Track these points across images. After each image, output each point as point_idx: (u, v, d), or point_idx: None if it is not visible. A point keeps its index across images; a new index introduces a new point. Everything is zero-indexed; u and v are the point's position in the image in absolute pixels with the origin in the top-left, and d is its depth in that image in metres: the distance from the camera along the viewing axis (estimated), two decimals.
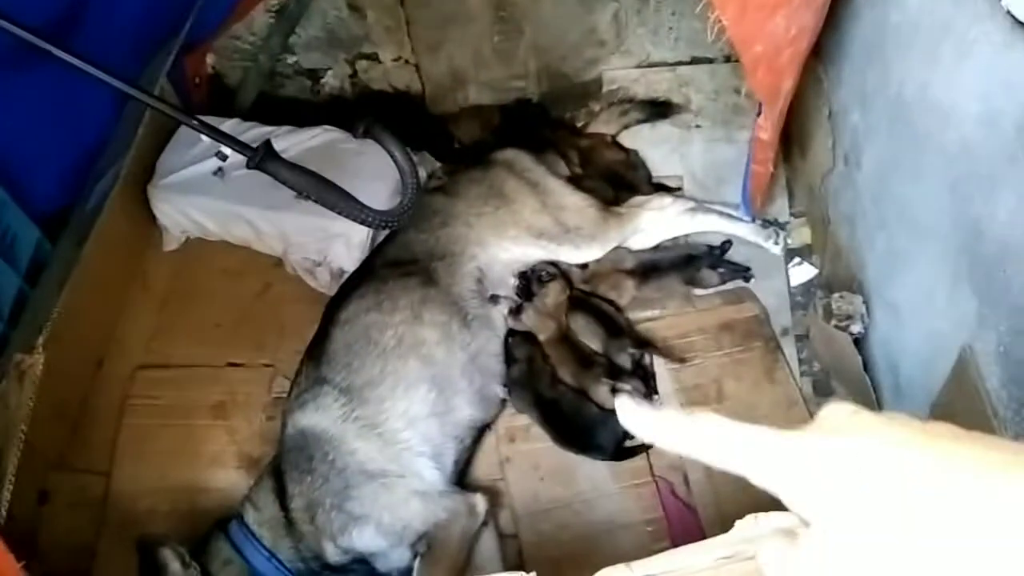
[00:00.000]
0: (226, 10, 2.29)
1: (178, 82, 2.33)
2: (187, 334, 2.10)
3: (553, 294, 1.97)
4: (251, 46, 2.43)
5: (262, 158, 1.27)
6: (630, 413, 0.53)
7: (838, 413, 0.46)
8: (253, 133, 2.23)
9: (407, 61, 2.44)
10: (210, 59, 2.48)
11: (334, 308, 1.89)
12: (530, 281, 1.99)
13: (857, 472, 0.42)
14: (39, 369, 1.46)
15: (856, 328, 1.71)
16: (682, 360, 1.94)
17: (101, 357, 2.05)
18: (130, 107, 2.11)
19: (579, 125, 2.41)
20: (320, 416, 1.72)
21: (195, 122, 1.27)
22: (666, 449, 0.52)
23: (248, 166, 1.30)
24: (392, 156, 1.29)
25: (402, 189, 1.42)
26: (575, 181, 2.13)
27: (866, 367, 1.75)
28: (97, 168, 2.07)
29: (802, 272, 2.06)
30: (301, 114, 2.41)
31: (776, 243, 2.09)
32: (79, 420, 1.95)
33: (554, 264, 2.04)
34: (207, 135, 1.31)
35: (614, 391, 1.83)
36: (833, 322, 1.77)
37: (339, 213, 1.41)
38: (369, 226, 1.53)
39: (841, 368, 1.87)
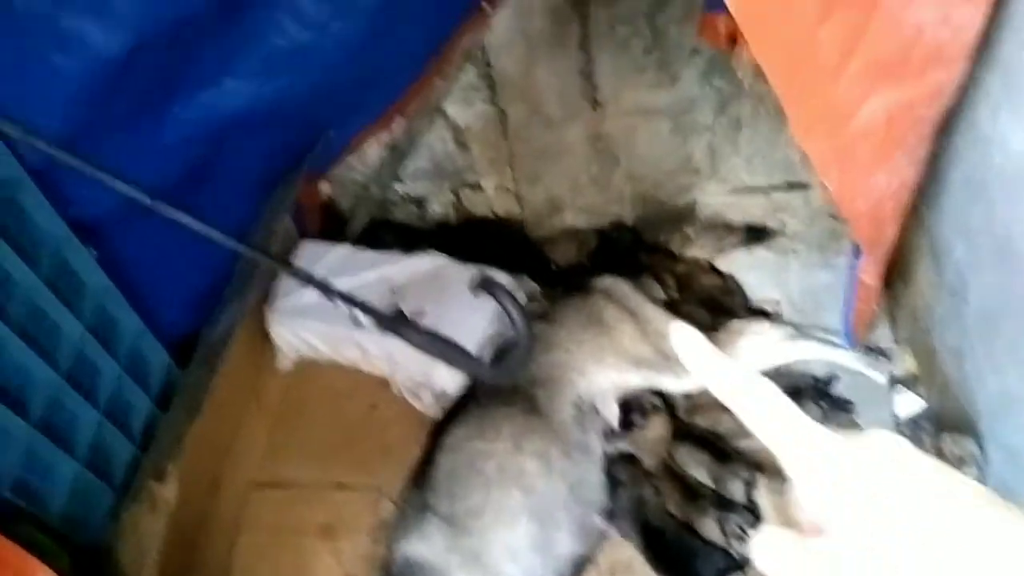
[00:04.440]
0: (342, 146, 2.47)
1: (294, 209, 2.49)
2: (297, 453, 2.19)
3: (654, 428, 1.98)
4: (363, 176, 2.60)
5: (392, 321, 1.36)
6: (686, 341, 0.52)
7: (884, 437, 0.46)
8: (363, 257, 2.36)
9: (508, 189, 2.57)
10: (324, 188, 2.65)
11: (439, 433, 1.95)
12: (632, 411, 2.00)
13: (885, 500, 0.43)
14: (172, 498, 1.55)
15: (971, 472, 1.66)
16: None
17: (217, 475, 2.14)
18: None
19: (674, 250, 2.46)
20: (424, 545, 1.75)
21: (335, 293, 1.36)
22: (713, 392, 0.51)
23: (379, 327, 1.39)
24: (507, 312, 1.36)
25: (515, 344, 1.48)
26: (673, 307, 2.16)
27: None
28: (224, 297, 2.22)
29: (908, 402, 2.01)
30: (408, 238, 2.55)
31: (880, 372, 2.05)
32: (196, 537, 2.02)
33: (659, 395, 2.05)
34: (347, 305, 1.40)
35: (721, 525, 1.81)
36: None
37: (459, 369, 1.49)
38: (487, 380, 1.60)
39: None
